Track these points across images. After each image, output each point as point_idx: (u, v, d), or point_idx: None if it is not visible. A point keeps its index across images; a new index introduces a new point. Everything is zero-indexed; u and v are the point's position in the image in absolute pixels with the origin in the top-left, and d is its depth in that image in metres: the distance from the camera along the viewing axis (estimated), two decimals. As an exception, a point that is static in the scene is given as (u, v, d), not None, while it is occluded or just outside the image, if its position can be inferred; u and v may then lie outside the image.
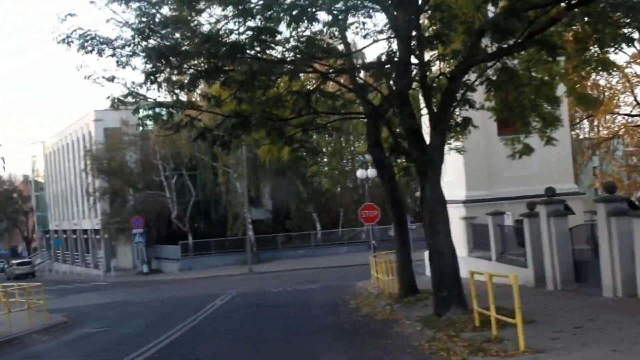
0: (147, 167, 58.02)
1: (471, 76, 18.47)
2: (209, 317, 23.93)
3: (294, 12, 15.42)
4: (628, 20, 16.65)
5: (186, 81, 17.79)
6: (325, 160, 53.24)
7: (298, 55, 17.36)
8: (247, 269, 49.78)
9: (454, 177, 29.99)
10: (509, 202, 28.83)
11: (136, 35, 16.64)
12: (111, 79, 17.13)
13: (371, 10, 16.59)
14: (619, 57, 55.27)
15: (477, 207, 30.12)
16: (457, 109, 18.25)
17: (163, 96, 18.00)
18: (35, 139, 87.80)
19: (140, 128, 57.11)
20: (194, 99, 19.58)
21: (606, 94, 38.23)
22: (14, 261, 76.07)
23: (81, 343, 20.83)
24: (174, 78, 17.88)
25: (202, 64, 17.71)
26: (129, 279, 55.53)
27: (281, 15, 15.68)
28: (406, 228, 23.79)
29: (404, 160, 22.41)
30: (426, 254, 34.09)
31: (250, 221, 54.73)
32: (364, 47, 21.42)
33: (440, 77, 17.85)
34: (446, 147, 19.01)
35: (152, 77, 16.92)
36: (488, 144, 30.17)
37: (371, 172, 36.77)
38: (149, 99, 17.70)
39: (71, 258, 78.05)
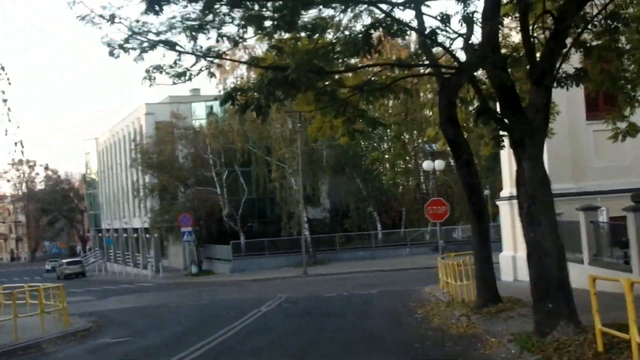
0: (198, 162, 54.68)
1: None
2: (247, 328, 20.11)
3: None
4: None
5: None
6: (388, 144, 48.82)
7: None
8: (302, 271, 45.99)
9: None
10: (600, 197, 24.59)
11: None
12: (111, 19, 13.01)
13: None
14: None
15: (561, 203, 25.82)
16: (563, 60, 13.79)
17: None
18: (91, 136, 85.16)
19: (149, 82, 54.57)
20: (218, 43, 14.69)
21: None
22: (64, 260, 73.76)
23: (91, 357, 17.24)
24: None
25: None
26: (177, 280, 52.30)
27: None
28: (486, 223, 19.55)
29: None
30: (501, 256, 30.28)
31: (306, 220, 50.92)
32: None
33: (545, 15, 13.54)
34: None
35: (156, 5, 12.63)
36: (574, 131, 26.19)
37: (438, 164, 32.51)
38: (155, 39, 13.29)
39: (122, 258, 75.48)
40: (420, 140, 51.78)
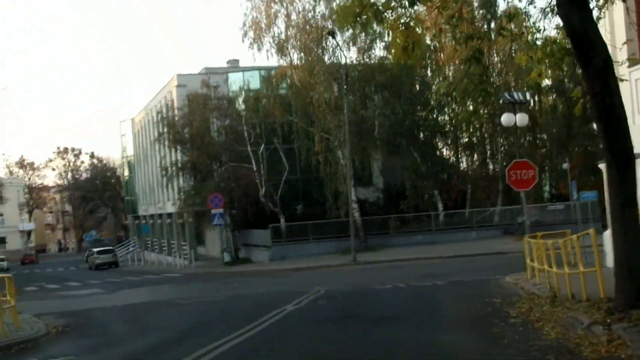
0: (232, 137, 47.97)
1: None
2: (254, 337, 13.37)
3: None
4: None
5: None
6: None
7: None
8: (350, 258, 39.05)
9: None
10: None
11: None
12: None
13: None
14: None
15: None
16: None
17: None
18: (129, 116, 79.27)
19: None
20: None
21: None
22: (95, 249, 68.12)
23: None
24: None
25: None
26: (209, 270, 45.84)
27: None
28: (633, 172, 12.15)
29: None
30: (606, 235, 22.76)
31: (355, 200, 43.89)
32: None
33: None
34: None
35: None
36: None
37: (521, 119, 25.03)
38: None
39: (159, 246, 69.53)
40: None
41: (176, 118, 49.45)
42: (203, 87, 48.81)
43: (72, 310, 23.87)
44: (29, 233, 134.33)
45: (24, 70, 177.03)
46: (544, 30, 16.56)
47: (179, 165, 49.75)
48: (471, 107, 33.77)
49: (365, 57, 45.32)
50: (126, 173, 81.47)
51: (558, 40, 16.58)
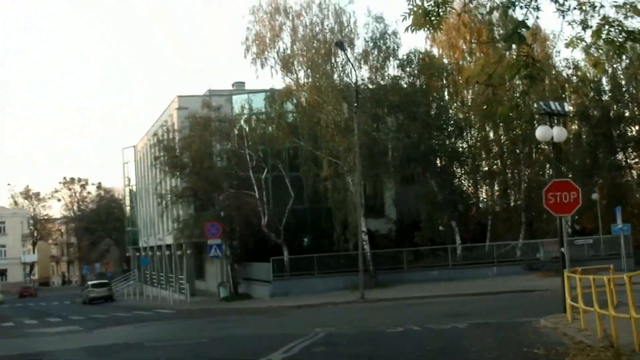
0: (234, 162, 44.33)
1: None
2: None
3: None
4: None
5: None
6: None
7: None
8: (359, 295, 35.18)
9: None
10: None
11: None
12: None
13: None
14: None
15: None
16: None
17: None
18: (131, 143, 75.92)
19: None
20: None
21: None
22: (89, 282, 64.44)
23: None
24: None
25: None
26: (204, 306, 41.99)
27: None
28: None
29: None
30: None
31: (365, 231, 40.11)
32: None
33: None
34: None
35: None
36: None
37: (559, 133, 21.18)
38: None
39: (157, 280, 65.73)
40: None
41: (176, 140, 45.77)
42: (204, 108, 45.34)
43: (28, 352, 20.19)
44: (31, 265, 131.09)
45: (28, 92, 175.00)
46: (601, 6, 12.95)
47: (177, 192, 46.06)
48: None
49: (377, 76, 41.88)
50: (128, 202, 77.88)
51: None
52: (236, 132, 44.92)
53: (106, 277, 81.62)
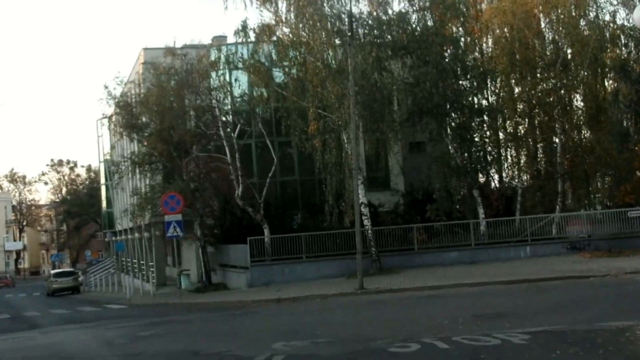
0: (204, 120, 35.84)
1: None
2: None
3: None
4: None
5: None
6: None
7: None
8: (356, 284, 26.84)
9: None
10: None
11: None
12: None
13: None
14: None
15: None
16: None
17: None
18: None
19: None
20: None
21: None
22: (53, 271, 56.42)
23: None
24: None
25: None
26: (167, 299, 33.73)
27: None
28: None
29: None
30: None
31: (365, 203, 31.76)
32: None
33: None
34: None
35: None
36: None
37: None
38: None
39: (131, 267, 57.49)
40: None
41: (117, 98, 36.92)
42: (167, 56, 36.87)
43: None
44: (18, 253, 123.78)
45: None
46: None
47: (135, 159, 37.64)
48: None
49: (379, 11, 33.35)
50: (103, 180, 69.26)
51: None
52: (208, 85, 36.36)
53: (91, 265, 73.80)
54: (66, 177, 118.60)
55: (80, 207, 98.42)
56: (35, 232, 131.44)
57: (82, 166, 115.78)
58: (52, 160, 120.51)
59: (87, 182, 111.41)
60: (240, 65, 33.63)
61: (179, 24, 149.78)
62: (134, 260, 55.65)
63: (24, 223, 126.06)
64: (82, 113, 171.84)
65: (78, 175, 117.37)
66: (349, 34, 26.53)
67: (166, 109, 34.92)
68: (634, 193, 40.01)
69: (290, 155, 37.98)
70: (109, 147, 64.45)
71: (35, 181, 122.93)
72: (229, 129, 34.73)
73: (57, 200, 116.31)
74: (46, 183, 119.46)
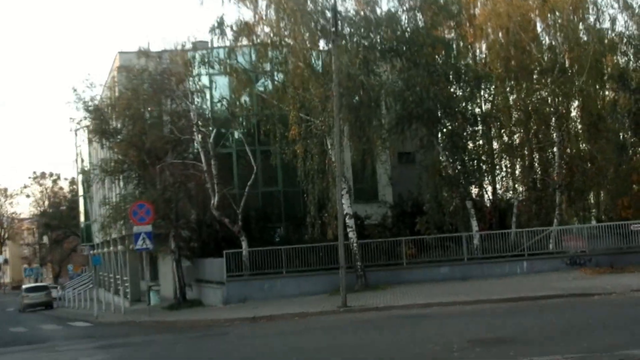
0: (180, 125, 33.55)
1: None
2: None
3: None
4: None
5: None
6: None
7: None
8: (339, 301, 24.54)
9: None
10: None
11: None
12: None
13: None
14: None
15: None
16: None
17: None
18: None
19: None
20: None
21: None
22: (25, 286, 53.90)
23: None
24: None
25: None
26: (135, 317, 31.32)
27: None
28: None
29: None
30: None
31: (351, 214, 29.52)
32: None
33: None
34: None
35: None
36: None
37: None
38: None
39: (107, 282, 55.00)
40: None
41: (89, 102, 34.45)
42: (141, 58, 34.62)
43: None
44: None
45: None
46: None
47: (105, 167, 35.30)
48: None
49: (367, 11, 31.19)
50: (81, 192, 66.67)
51: None
52: (186, 88, 34.09)
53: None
54: (48, 190, 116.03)
55: (60, 220, 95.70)
56: (16, 245, 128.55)
57: (66, 179, 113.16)
58: (34, 172, 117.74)
59: (69, 195, 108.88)
60: (216, 66, 31.28)
61: (160, 30, 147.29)
62: (110, 275, 53.16)
63: (5, 236, 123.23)
64: (66, 123, 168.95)
65: (61, 188, 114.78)
66: (333, 29, 24.28)
67: (138, 113, 32.60)
68: (631, 207, 38.01)
69: (273, 164, 35.76)
70: (86, 156, 61.98)
71: (17, 194, 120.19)
72: (204, 135, 32.42)
73: (38, 213, 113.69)
74: (28, 196, 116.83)
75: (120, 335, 23.00)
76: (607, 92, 40.33)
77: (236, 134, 36.49)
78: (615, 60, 38.86)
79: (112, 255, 51.22)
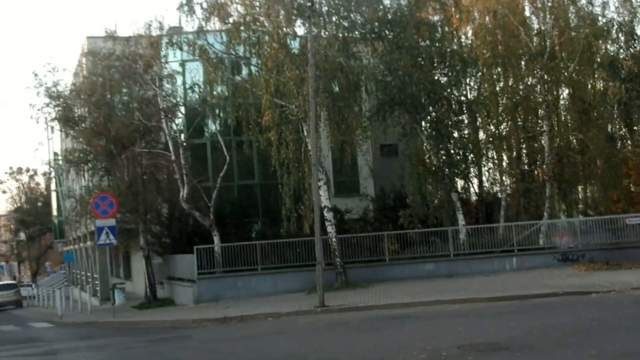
0: (145, 111, 31.50)
1: None
2: None
3: None
4: None
5: None
6: None
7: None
8: (316, 301, 22.66)
9: None
10: None
11: None
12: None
13: None
14: None
15: None
16: None
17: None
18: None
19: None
20: None
21: None
22: (-6, 283, 51.68)
23: None
24: None
25: None
26: (100, 317, 29.26)
27: None
28: None
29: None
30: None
31: (329, 207, 27.61)
32: None
33: None
34: None
35: None
36: None
37: None
38: None
39: (80, 280, 52.87)
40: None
41: (52, 87, 32.24)
42: (108, 41, 32.53)
43: None
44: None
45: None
46: None
47: (69, 157, 33.23)
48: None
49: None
50: (54, 186, 64.28)
51: None
52: (157, 74, 32.00)
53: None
54: (25, 186, 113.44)
55: (36, 217, 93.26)
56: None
57: (44, 174, 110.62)
58: (10, 168, 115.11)
59: (46, 191, 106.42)
60: (185, 47, 29.25)
61: (131, 13, 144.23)
62: (82, 272, 51.06)
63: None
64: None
65: (38, 184, 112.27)
66: (309, 4, 22.32)
67: (102, 99, 30.53)
68: (620, 201, 36.42)
69: (247, 154, 33.70)
70: (50, 146, 59.66)
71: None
72: (172, 123, 30.43)
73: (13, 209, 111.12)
74: (4, 192, 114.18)
75: (75, 337, 21.02)
76: (597, 82, 38.68)
77: (211, 124, 34.52)
78: (605, 49, 37.29)
79: (84, 252, 49.09)
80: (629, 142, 40.08)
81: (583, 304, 18.36)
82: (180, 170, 29.61)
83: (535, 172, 34.74)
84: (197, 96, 32.77)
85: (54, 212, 65.72)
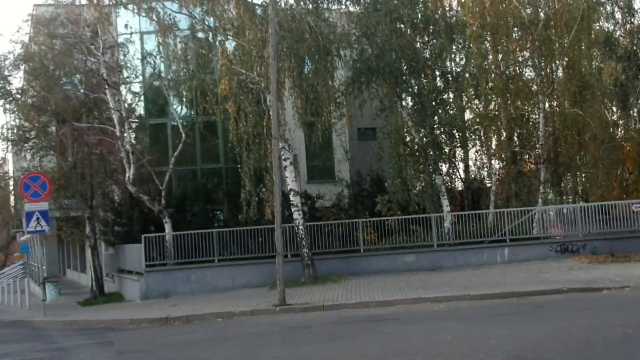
0: (91, 84, 27.85)
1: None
2: None
3: None
4: None
5: None
6: None
7: None
8: (276, 299, 19.15)
9: None
10: None
11: None
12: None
13: None
14: None
15: None
16: None
17: None
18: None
19: None
20: None
21: None
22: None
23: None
24: None
25: None
26: (35, 316, 25.55)
27: None
28: None
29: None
30: None
31: (295, 191, 24.03)
32: None
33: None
34: None
35: None
36: None
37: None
38: None
39: (36, 272, 48.94)
40: None
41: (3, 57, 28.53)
42: (50, 7, 28.83)
43: None
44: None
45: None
46: None
47: (6, 135, 29.52)
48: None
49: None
50: (12, 171, 60.07)
51: None
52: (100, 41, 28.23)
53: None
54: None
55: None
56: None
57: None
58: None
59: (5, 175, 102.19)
60: (131, 6, 25.57)
61: None
62: (35, 264, 47.24)
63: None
64: None
65: (6, 172, 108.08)
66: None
67: (40, 69, 26.83)
68: (615, 190, 33.28)
69: (215, 137, 29.98)
70: None
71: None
72: (118, 95, 26.77)
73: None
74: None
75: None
76: (593, 60, 35.34)
77: (170, 102, 30.85)
78: (599, 26, 34.02)
79: (37, 242, 45.26)
80: (621, 129, 37.06)
81: (596, 303, 15.02)
82: (125, 148, 25.91)
83: (528, 155, 31.46)
84: (152, 69, 29.13)
85: (11, 200, 61.72)
